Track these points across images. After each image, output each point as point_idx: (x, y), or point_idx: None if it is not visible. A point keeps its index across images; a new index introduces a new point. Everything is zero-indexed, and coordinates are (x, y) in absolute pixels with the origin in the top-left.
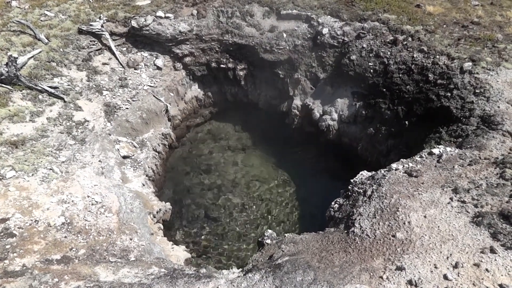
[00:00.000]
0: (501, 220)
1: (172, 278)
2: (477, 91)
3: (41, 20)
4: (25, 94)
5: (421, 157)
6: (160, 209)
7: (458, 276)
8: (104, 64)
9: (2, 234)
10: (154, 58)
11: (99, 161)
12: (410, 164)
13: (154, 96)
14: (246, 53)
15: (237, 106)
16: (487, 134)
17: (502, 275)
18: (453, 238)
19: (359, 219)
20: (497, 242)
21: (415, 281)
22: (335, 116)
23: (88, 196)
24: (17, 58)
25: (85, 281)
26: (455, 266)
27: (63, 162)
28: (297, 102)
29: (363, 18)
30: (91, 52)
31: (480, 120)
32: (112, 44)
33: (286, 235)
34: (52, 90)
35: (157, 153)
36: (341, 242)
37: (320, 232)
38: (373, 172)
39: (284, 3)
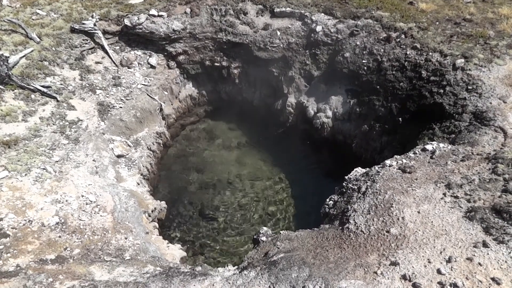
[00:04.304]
0: (494, 214)
1: (168, 276)
2: (469, 87)
3: (33, 19)
4: (17, 93)
5: (414, 153)
6: (155, 208)
7: (451, 270)
8: (97, 63)
9: None
10: (148, 57)
11: (93, 160)
12: (404, 161)
13: (148, 94)
14: (240, 51)
15: (232, 104)
16: (479, 130)
17: (494, 269)
18: (446, 233)
19: (354, 216)
20: (489, 236)
21: (409, 275)
22: (329, 113)
23: (82, 196)
24: (8, 57)
25: (80, 280)
26: (449, 260)
27: (57, 161)
28: (292, 99)
29: (357, 15)
30: (84, 51)
31: (472, 116)
32: (105, 43)
33: (281, 232)
34: (45, 90)
35: (151, 152)
36: (336, 238)
37: (315, 228)
38: (367, 169)
39: (278, 1)
